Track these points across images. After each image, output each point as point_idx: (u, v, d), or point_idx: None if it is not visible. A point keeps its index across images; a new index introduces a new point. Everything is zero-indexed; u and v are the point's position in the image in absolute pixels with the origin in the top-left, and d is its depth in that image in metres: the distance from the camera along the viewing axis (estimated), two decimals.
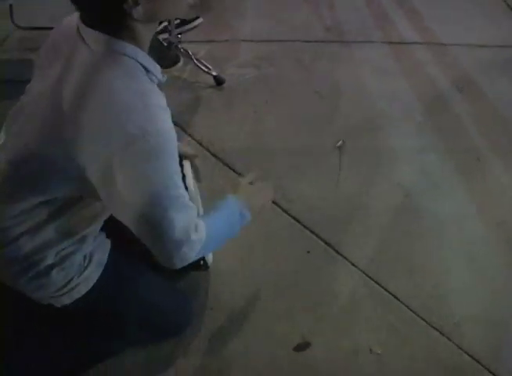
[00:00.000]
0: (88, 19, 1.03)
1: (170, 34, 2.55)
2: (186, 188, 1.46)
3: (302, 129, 2.37)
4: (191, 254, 1.13)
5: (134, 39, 1.05)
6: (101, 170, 1.01)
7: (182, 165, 1.54)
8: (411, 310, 1.68)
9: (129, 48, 1.04)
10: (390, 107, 2.51)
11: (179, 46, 2.57)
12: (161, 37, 2.56)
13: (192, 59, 2.56)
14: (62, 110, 1.01)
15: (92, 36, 1.03)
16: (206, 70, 2.54)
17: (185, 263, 1.14)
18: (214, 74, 2.52)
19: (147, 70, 1.07)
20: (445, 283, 1.77)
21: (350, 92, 2.60)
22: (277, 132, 2.34)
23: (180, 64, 2.56)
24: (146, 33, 1.08)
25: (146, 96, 1.02)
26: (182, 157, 1.59)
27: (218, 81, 2.52)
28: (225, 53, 2.80)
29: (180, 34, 2.63)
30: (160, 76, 1.12)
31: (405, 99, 2.57)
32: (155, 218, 1.05)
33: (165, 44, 2.53)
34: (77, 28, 1.05)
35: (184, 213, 1.08)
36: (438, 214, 2.01)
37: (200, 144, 2.23)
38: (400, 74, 2.72)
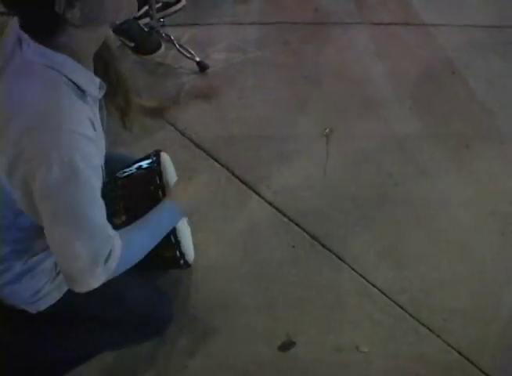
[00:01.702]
0: (21, 21, 0.96)
1: (151, 19, 2.46)
2: (163, 187, 1.40)
3: (289, 116, 2.30)
4: (95, 284, 1.05)
5: (70, 47, 0.96)
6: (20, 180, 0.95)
7: (159, 162, 1.47)
8: (399, 306, 1.64)
9: (57, 58, 0.95)
10: (379, 92, 2.44)
11: (161, 31, 2.48)
12: (142, 22, 2.47)
13: (174, 44, 2.47)
14: None
15: (25, 40, 0.96)
16: (189, 56, 2.45)
17: (89, 289, 1.05)
18: (197, 59, 2.44)
19: (76, 85, 0.98)
20: (434, 276, 1.73)
21: (338, 76, 2.51)
22: (263, 119, 2.27)
23: (161, 50, 2.47)
24: (88, 40, 0.99)
25: (59, 117, 0.93)
26: (158, 152, 1.52)
27: (202, 67, 2.44)
28: (209, 37, 2.69)
29: (162, 18, 2.53)
30: (94, 92, 1.03)
31: (395, 83, 2.49)
32: (62, 243, 1.00)
33: (146, 29, 2.43)
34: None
35: (93, 243, 1.01)
36: (427, 203, 1.96)
37: (183, 134, 2.16)
38: (390, 57, 2.63)
